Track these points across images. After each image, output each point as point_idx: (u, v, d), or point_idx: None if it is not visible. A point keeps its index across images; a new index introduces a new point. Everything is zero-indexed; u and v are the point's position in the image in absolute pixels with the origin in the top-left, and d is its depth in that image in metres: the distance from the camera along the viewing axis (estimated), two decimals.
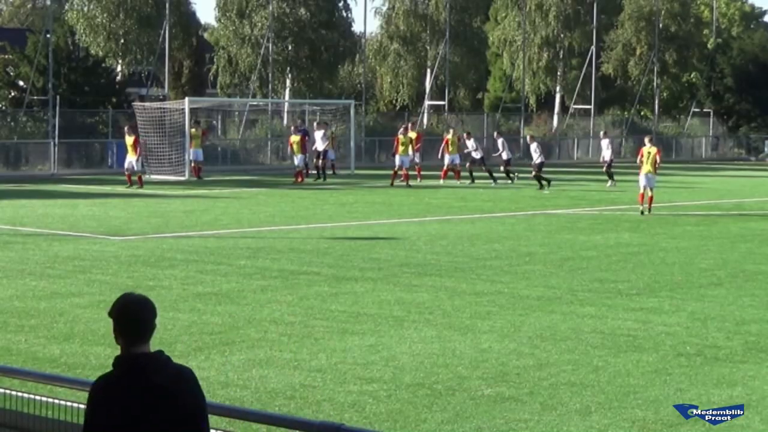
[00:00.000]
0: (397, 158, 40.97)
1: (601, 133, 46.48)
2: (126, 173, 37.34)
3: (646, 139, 31.36)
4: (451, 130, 44.79)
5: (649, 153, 29.83)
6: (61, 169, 45.64)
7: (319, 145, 42.85)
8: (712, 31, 78.08)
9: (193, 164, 43.07)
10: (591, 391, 10.35)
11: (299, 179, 41.26)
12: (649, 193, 29.43)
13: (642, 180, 29.71)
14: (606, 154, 42.52)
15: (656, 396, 10.22)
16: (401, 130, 42.66)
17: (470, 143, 42.75)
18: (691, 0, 76.21)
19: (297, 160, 41.99)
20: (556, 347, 12.19)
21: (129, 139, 38.00)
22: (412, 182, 39.88)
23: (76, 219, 26.02)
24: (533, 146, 39.25)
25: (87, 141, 48.00)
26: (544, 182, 38.19)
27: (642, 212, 29.11)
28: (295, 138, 41.92)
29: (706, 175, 51.71)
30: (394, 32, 65.65)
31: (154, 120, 44.34)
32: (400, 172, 40.52)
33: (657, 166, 29.94)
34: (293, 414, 9.16)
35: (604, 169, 42.36)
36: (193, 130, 43.74)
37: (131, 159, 37.70)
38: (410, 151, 41.48)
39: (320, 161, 42.75)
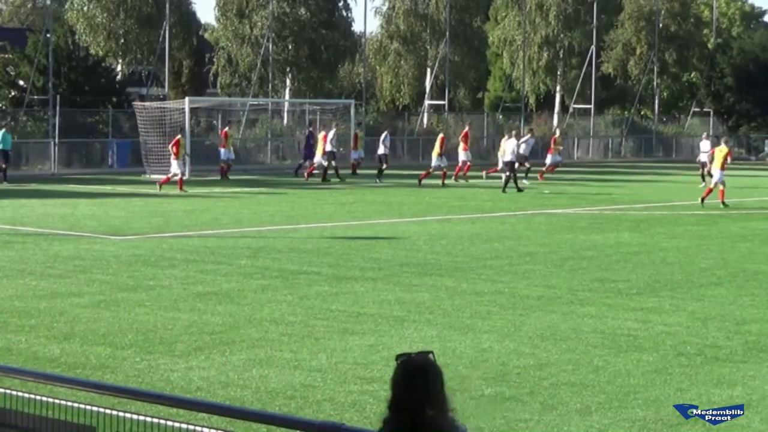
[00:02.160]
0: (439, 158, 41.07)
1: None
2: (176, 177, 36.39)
3: (722, 140, 34.28)
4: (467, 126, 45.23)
5: (721, 152, 32.38)
6: (61, 168, 45.65)
7: (328, 145, 42.98)
8: (712, 31, 78.08)
9: (228, 164, 43.10)
10: (591, 390, 10.35)
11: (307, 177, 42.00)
12: (720, 187, 31.88)
13: (716, 175, 32.17)
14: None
15: (656, 396, 10.22)
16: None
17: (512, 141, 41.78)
18: (691, 0, 76.22)
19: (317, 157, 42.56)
20: (556, 347, 12.19)
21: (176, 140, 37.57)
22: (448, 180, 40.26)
23: (76, 219, 26.02)
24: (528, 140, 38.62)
25: (87, 141, 48.02)
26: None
27: (702, 202, 31.56)
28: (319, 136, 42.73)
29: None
30: (394, 32, 65.66)
31: (154, 120, 44.39)
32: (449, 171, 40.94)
33: (725, 164, 32.26)
34: (293, 414, 9.15)
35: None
36: (227, 129, 44.27)
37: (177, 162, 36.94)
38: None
39: (329, 162, 42.78)
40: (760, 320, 13.97)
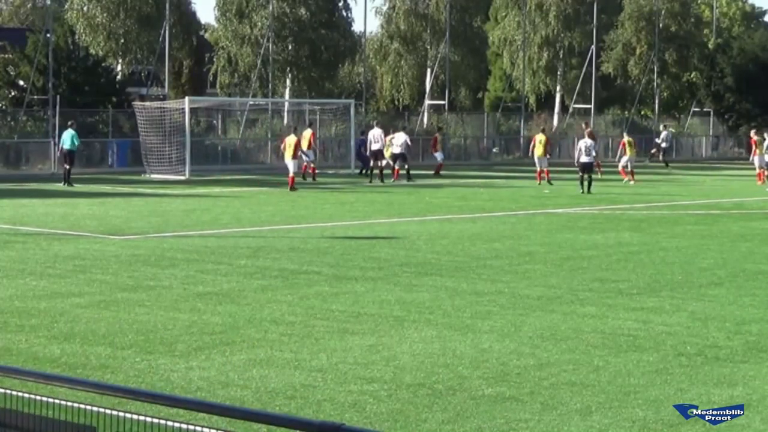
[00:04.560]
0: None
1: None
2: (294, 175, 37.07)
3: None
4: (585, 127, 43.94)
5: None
6: (61, 168, 45.59)
7: (374, 145, 43.18)
8: (713, 31, 78.07)
9: (312, 165, 42.64)
10: (591, 390, 10.34)
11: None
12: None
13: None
14: None
15: (657, 396, 10.21)
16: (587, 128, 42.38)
17: (589, 142, 38.78)
18: (692, 0, 76.21)
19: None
20: (556, 347, 12.18)
21: (292, 139, 37.80)
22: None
23: (76, 218, 26.03)
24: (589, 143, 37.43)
25: (87, 140, 47.97)
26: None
27: None
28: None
29: (706, 174, 51.71)
30: (394, 32, 65.67)
31: (154, 120, 44.40)
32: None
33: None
34: (294, 414, 9.15)
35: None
36: (309, 130, 43.91)
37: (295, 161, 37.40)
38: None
39: (376, 162, 42.91)
40: (760, 320, 13.96)
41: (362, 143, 45.69)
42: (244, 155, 54.38)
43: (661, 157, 58.58)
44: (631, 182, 41.98)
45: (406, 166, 42.81)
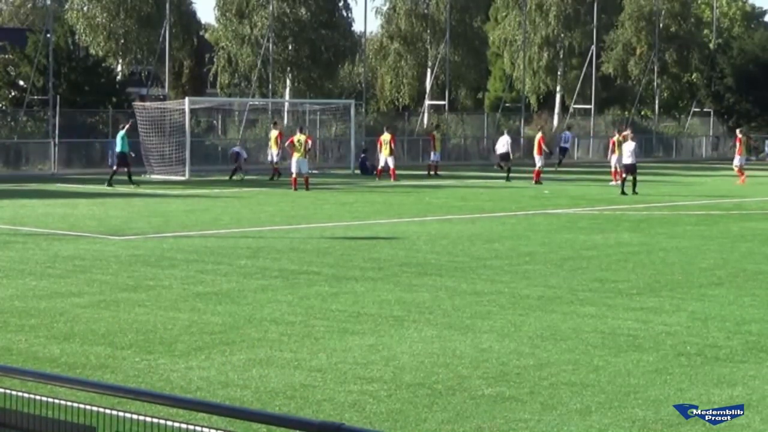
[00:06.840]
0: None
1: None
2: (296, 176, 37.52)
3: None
4: (620, 133, 43.50)
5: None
6: (61, 168, 45.65)
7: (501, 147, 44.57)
8: (713, 31, 78.08)
9: (276, 166, 42.21)
10: (591, 390, 10.34)
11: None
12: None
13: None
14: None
15: (656, 396, 10.21)
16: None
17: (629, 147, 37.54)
18: (692, 0, 76.23)
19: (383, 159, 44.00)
20: (556, 347, 12.18)
21: (273, 133, 38.41)
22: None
23: (76, 219, 26.03)
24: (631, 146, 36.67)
25: (87, 141, 48.01)
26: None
27: None
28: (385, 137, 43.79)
29: (706, 174, 51.71)
30: (394, 32, 65.65)
31: (154, 120, 44.39)
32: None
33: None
34: (293, 414, 9.15)
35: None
36: (275, 131, 42.87)
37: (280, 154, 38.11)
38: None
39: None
40: (760, 320, 13.96)
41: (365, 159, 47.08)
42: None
43: (558, 158, 55.71)
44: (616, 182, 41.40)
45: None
